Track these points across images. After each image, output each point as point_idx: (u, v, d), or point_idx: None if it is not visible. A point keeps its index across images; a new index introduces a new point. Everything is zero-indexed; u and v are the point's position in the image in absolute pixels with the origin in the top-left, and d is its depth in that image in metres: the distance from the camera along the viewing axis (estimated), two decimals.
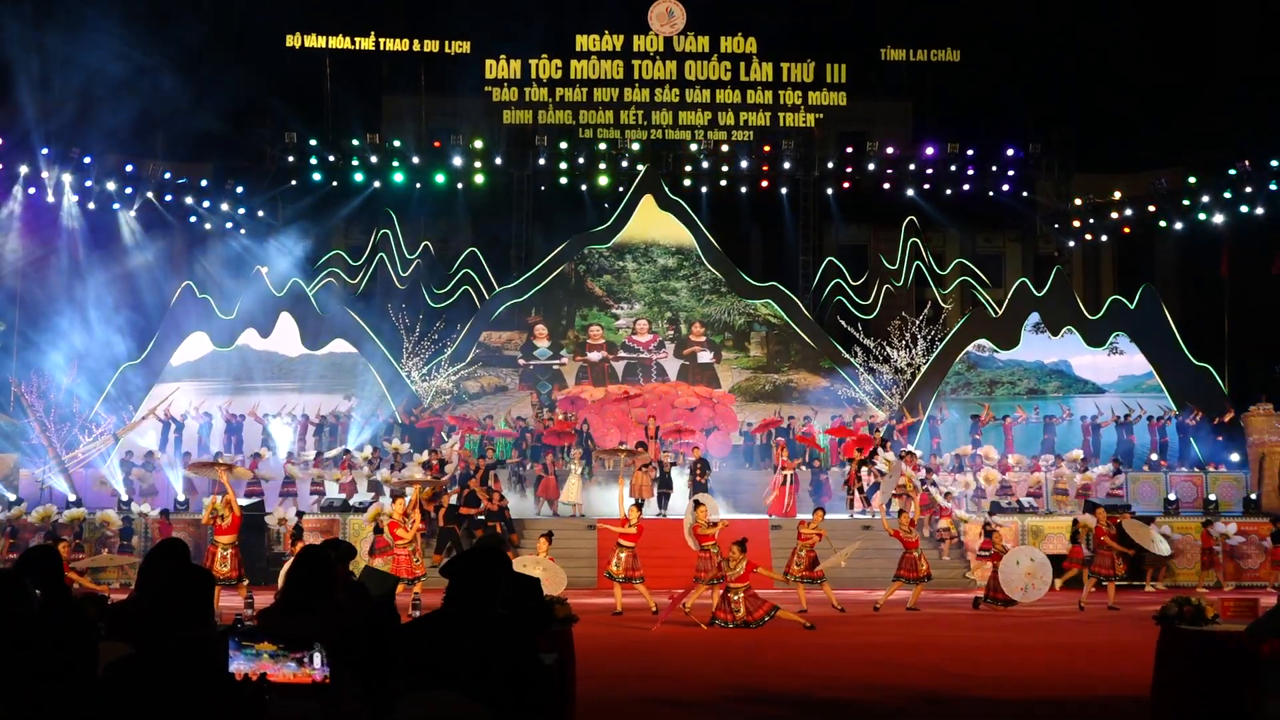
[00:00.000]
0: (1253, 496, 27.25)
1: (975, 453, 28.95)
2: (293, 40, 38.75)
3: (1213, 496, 27.26)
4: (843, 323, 36.83)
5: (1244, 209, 34.06)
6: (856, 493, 27.40)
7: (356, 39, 39.07)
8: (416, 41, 39.16)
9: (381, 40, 39.21)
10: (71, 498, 26.32)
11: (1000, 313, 33.29)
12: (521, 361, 36.21)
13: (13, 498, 25.73)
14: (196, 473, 24.64)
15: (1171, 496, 27.25)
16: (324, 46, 38.96)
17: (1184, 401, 31.04)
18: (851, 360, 35.09)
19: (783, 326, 36.59)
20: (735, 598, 17.43)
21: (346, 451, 28.71)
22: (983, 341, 32.82)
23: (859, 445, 28.05)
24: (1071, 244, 39.63)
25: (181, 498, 26.33)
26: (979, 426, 30.60)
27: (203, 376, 32.08)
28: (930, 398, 31.88)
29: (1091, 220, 38.49)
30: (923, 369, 33.16)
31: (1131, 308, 32.34)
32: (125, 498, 26.18)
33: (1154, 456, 30.16)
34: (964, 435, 30.81)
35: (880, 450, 27.77)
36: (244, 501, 23.61)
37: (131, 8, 30.83)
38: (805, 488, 28.15)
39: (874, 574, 22.92)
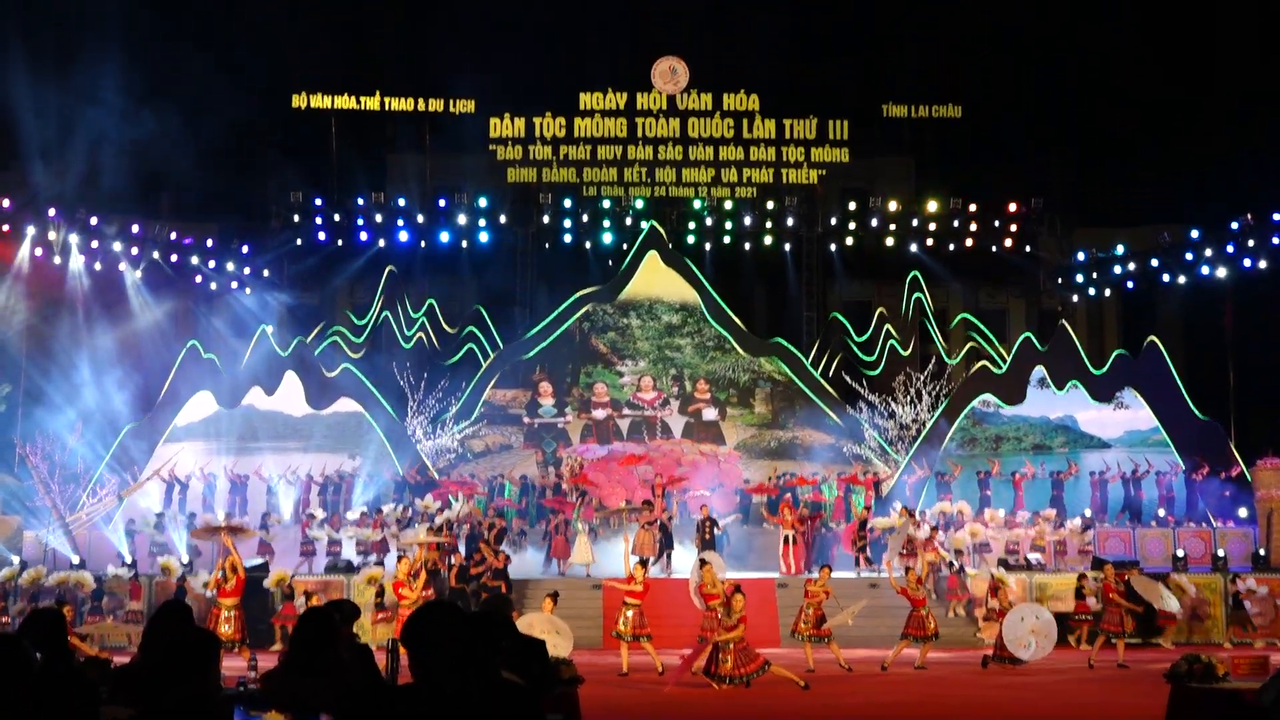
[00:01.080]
0: (1261, 552, 27.00)
1: (955, 510, 28.45)
2: (298, 100, 39.08)
3: (1221, 552, 26.93)
4: (847, 379, 36.77)
5: (1247, 263, 33.83)
6: (859, 551, 27.25)
7: (362, 98, 39.35)
8: (421, 100, 39.43)
9: (387, 100, 39.49)
10: (74, 560, 26.14)
11: (1005, 368, 32.96)
12: (526, 420, 36.16)
13: (16, 560, 25.54)
14: (201, 538, 24.47)
15: (1180, 552, 26.89)
16: (329, 106, 39.29)
17: (1191, 456, 30.68)
18: (857, 416, 34.98)
19: (787, 383, 36.54)
20: (726, 648, 17.33)
21: (378, 510, 28.53)
22: (988, 397, 32.44)
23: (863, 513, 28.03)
24: (1075, 298, 39.61)
25: (186, 559, 26.13)
26: (988, 481, 30.33)
27: (207, 436, 31.77)
28: (936, 454, 31.60)
29: (1094, 275, 38.44)
30: (928, 425, 32.89)
31: (1136, 362, 32.08)
32: (130, 559, 26.01)
33: (1161, 512, 29.92)
34: (973, 490, 30.44)
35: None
36: (250, 562, 23.65)
37: (137, 69, 31.15)
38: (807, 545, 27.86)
39: (881, 632, 22.65)
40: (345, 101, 39.30)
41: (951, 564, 25.42)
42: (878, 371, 37.54)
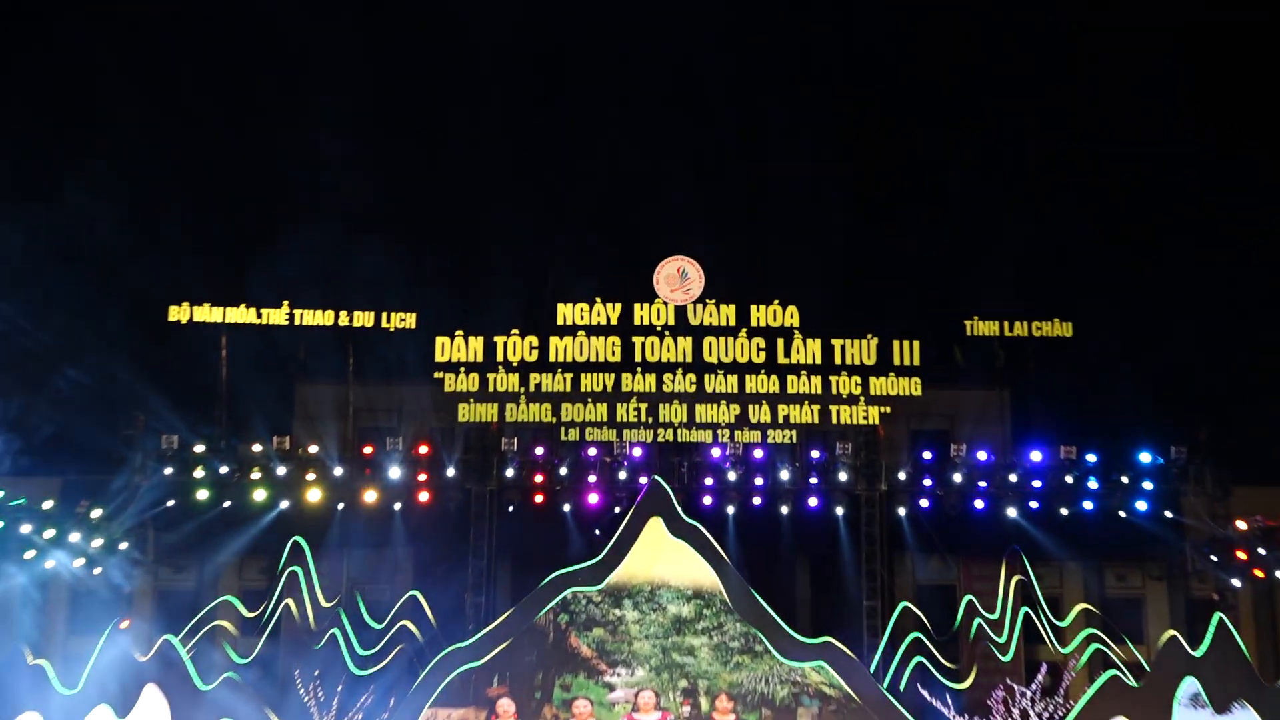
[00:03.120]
0: None
1: None
2: (178, 313, 35.97)
3: None
4: (925, 694, 32.21)
5: None
6: None
7: (264, 311, 36.30)
8: (344, 314, 36.57)
9: (297, 313, 36.53)
10: None
11: (1144, 680, 29.88)
12: None
13: None
14: None
15: None
16: (220, 320, 36.18)
17: None
18: None
19: (842, 700, 31.56)
20: None
21: None
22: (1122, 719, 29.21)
23: None
24: (1236, 583, 35.48)
25: None
26: None
27: None
28: None
29: (1261, 550, 34.20)
30: None
31: None
32: None
33: None
34: None
35: None
36: None
37: None
38: None
39: None
40: (241, 315, 36.06)
41: None
42: (968, 684, 33.19)
